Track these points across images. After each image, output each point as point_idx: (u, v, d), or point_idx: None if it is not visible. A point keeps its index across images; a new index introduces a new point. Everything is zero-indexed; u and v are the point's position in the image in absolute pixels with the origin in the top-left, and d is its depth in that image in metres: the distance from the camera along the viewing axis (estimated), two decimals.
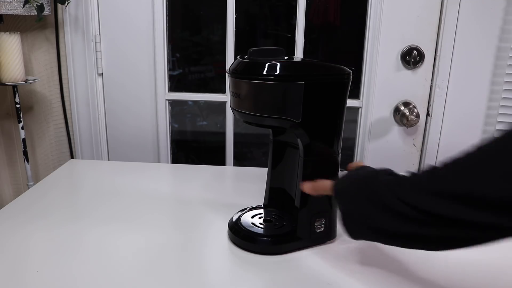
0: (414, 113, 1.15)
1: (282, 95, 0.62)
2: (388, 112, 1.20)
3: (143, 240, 0.71)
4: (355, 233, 0.54)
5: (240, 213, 0.75)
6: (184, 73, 1.50)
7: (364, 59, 1.17)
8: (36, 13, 1.07)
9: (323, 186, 0.60)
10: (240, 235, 0.69)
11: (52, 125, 1.27)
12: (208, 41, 1.47)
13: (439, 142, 1.19)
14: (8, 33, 1.06)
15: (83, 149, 1.27)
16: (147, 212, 0.81)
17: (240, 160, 1.50)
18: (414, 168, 1.24)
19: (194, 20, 1.44)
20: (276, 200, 0.77)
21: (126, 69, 1.22)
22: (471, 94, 1.15)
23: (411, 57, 1.14)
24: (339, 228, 0.65)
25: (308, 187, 0.64)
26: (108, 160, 1.29)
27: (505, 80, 1.13)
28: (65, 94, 1.23)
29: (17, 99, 1.13)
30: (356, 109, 1.22)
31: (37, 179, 1.28)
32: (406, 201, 0.45)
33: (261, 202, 0.79)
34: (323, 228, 0.69)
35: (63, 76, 1.22)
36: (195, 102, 1.61)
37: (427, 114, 1.19)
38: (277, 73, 0.61)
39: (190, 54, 1.50)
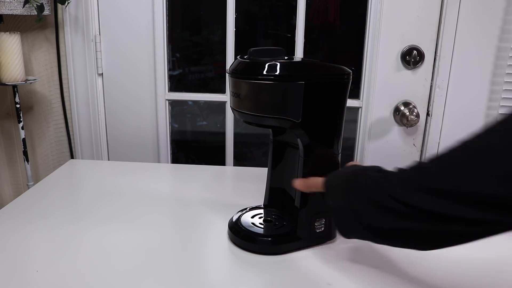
0: (414, 113, 1.15)
1: (282, 95, 0.62)
2: (388, 112, 1.20)
3: (143, 240, 0.71)
4: (346, 230, 0.55)
5: (240, 213, 0.75)
6: (184, 73, 1.50)
7: (364, 59, 1.17)
8: (36, 13, 1.07)
9: (315, 183, 0.61)
10: (240, 235, 0.69)
11: (52, 125, 1.27)
12: (208, 41, 1.47)
13: (439, 142, 1.19)
14: (8, 33, 1.06)
15: (83, 149, 1.27)
16: (147, 212, 0.81)
17: (240, 160, 1.50)
18: None
19: (194, 20, 1.44)
20: (276, 200, 0.77)
21: (126, 69, 1.22)
22: (471, 94, 1.15)
23: (411, 57, 1.14)
24: None
25: (300, 184, 0.64)
26: (108, 160, 1.29)
27: (505, 80, 1.13)
28: (65, 94, 1.23)
29: (17, 99, 1.13)
30: (356, 109, 1.22)
31: (37, 179, 1.28)
32: (394, 197, 0.46)
33: (261, 202, 0.79)
34: (323, 228, 0.69)
35: (63, 76, 1.22)
36: (195, 102, 1.61)
37: (427, 114, 1.19)
38: (277, 73, 0.61)
39: (190, 54, 1.50)
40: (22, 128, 1.16)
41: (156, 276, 0.61)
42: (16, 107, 1.14)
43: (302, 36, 1.17)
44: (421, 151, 1.23)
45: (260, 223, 0.72)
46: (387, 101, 1.19)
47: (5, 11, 1.06)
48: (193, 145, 1.67)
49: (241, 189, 0.95)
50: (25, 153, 1.18)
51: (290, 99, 0.62)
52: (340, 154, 0.69)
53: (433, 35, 1.13)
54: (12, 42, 1.07)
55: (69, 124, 1.26)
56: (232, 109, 0.68)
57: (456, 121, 1.17)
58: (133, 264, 0.63)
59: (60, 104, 1.24)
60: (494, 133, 0.41)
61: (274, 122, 0.65)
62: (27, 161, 1.18)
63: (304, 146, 0.65)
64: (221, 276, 0.62)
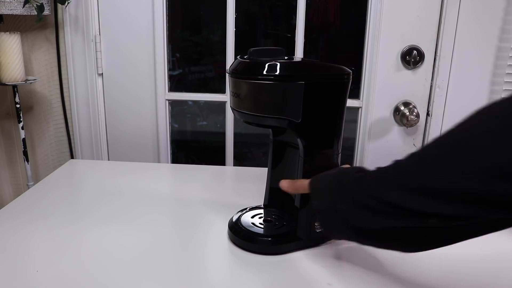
0: (414, 113, 1.15)
1: (282, 95, 0.62)
2: (388, 112, 1.20)
3: (143, 240, 0.71)
4: (331, 231, 0.55)
5: (240, 213, 0.75)
6: (184, 73, 1.50)
7: (364, 59, 1.17)
8: (36, 13, 1.07)
9: (302, 185, 0.61)
10: (240, 235, 0.69)
11: (52, 125, 1.27)
12: (208, 41, 1.47)
13: None
14: (8, 33, 1.06)
15: (83, 149, 1.27)
16: (147, 212, 0.81)
17: (240, 160, 1.50)
18: None
19: (194, 20, 1.44)
20: (276, 200, 0.77)
21: (126, 69, 1.22)
22: (471, 94, 1.15)
23: (411, 57, 1.14)
24: None
25: (287, 185, 0.65)
26: (108, 160, 1.29)
27: (505, 80, 1.13)
28: (65, 94, 1.23)
29: (17, 99, 1.13)
30: (356, 109, 1.22)
31: (37, 179, 1.28)
32: (373, 196, 0.46)
33: (261, 202, 0.79)
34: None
35: (63, 76, 1.22)
36: (195, 102, 1.61)
37: (427, 114, 1.19)
38: (277, 73, 0.61)
39: (190, 54, 1.50)
40: (22, 128, 1.16)
41: (156, 276, 0.61)
42: (16, 107, 1.14)
43: (302, 36, 1.17)
44: None
45: (260, 223, 0.72)
46: (387, 101, 1.19)
47: (5, 11, 1.06)
48: (193, 145, 1.67)
49: (241, 189, 0.95)
50: (25, 153, 1.18)
51: (290, 99, 0.62)
52: (340, 154, 0.69)
53: (433, 35, 1.13)
54: (12, 42, 1.07)
55: (69, 124, 1.26)
56: (232, 109, 0.68)
57: (456, 121, 1.17)
58: (133, 264, 0.63)
59: (60, 104, 1.24)
60: (466, 128, 0.42)
61: (274, 122, 0.65)
62: (27, 161, 1.18)
63: (304, 146, 0.65)
64: (221, 276, 0.62)
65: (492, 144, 0.38)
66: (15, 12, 1.07)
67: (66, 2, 1.11)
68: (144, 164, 1.13)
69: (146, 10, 1.17)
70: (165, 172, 1.11)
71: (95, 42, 1.18)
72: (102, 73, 1.22)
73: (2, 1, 1.05)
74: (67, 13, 1.16)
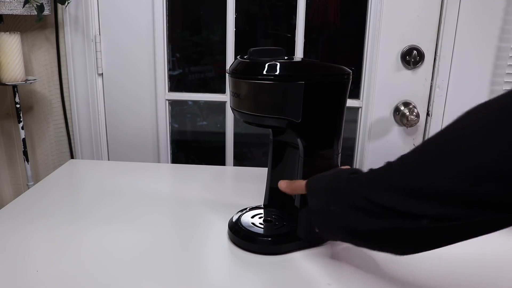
0: (414, 113, 1.15)
1: (282, 95, 0.62)
2: (388, 112, 1.20)
3: (143, 240, 0.71)
4: (326, 232, 0.56)
5: (240, 213, 0.75)
6: (184, 73, 1.50)
7: (364, 59, 1.17)
8: (36, 13, 1.07)
9: (300, 185, 0.61)
10: (240, 235, 0.69)
11: (52, 125, 1.27)
12: (208, 41, 1.47)
13: None
14: (8, 33, 1.06)
15: (83, 149, 1.27)
16: (147, 212, 0.81)
17: (240, 160, 1.50)
18: None
19: (194, 20, 1.44)
20: (276, 200, 0.77)
21: (126, 69, 1.22)
22: (471, 94, 1.15)
23: (411, 57, 1.14)
24: None
25: (285, 186, 0.65)
26: (108, 160, 1.29)
27: (505, 80, 1.13)
28: (65, 94, 1.23)
29: (17, 99, 1.13)
30: (356, 109, 1.22)
31: (37, 179, 1.28)
32: (366, 197, 0.46)
33: (261, 202, 0.79)
34: None
35: (63, 76, 1.22)
36: (195, 102, 1.61)
37: (427, 114, 1.19)
38: (277, 73, 0.61)
39: (190, 54, 1.50)
40: (22, 128, 1.16)
41: (156, 276, 0.61)
42: (16, 107, 1.14)
43: (302, 36, 1.17)
44: None
45: (260, 223, 0.72)
46: (387, 101, 1.19)
47: (5, 11, 1.06)
48: (193, 145, 1.67)
49: (241, 189, 0.95)
50: (25, 153, 1.18)
51: (290, 99, 0.62)
52: (340, 154, 0.69)
53: (433, 35, 1.13)
54: (12, 42, 1.07)
55: (69, 124, 1.26)
56: (232, 109, 0.68)
57: None
58: (133, 264, 0.63)
59: (60, 104, 1.24)
60: (455, 130, 0.42)
61: (274, 122, 0.65)
62: (27, 161, 1.18)
63: (304, 146, 0.65)
64: (221, 276, 0.62)
65: (479, 144, 0.38)
66: (15, 12, 1.07)
67: (66, 2, 1.11)
68: (144, 164, 1.13)
69: (146, 10, 1.17)
70: (165, 172, 1.11)
71: (95, 42, 1.18)
72: (102, 73, 1.22)
73: (2, 1, 1.05)
74: (67, 13, 1.16)
